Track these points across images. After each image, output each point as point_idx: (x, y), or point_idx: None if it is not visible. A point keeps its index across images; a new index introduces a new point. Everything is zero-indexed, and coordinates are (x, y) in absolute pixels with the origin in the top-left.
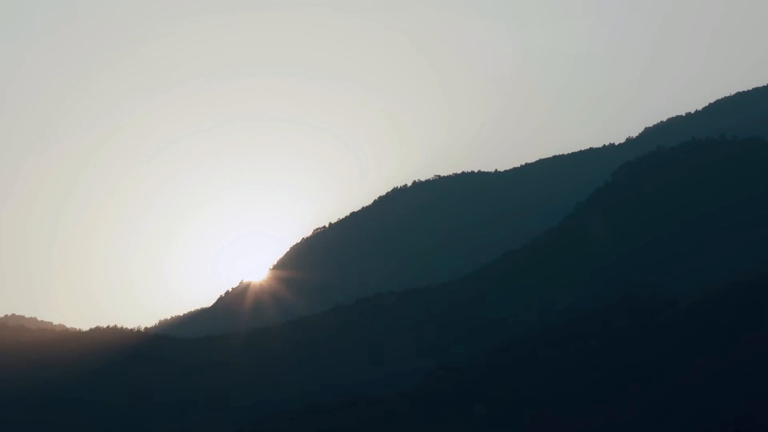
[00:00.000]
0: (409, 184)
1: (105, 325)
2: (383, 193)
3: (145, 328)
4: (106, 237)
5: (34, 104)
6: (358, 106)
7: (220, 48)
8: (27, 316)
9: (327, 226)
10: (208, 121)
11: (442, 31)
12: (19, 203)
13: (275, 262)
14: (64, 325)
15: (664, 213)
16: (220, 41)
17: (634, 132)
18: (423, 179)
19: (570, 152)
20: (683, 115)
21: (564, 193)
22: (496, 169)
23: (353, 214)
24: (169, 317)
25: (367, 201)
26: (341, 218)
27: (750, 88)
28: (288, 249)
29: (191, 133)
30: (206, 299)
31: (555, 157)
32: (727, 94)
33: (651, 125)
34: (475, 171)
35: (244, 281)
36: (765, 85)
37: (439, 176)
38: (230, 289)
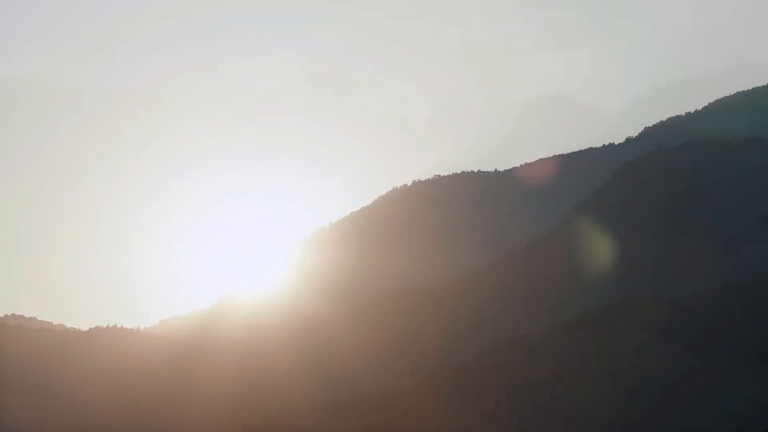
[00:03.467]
0: (409, 183)
1: (105, 325)
2: (383, 193)
3: (145, 328)
4: (106, 236)
5: (33, 103)
6: (358, 105)
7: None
8: (27, 316)
9: (327, 225)
10: (211, 120)
11: (441, 31)
12: (18, 203)
13: (275, 262)
14: (63, 325)
15: (665, 213)
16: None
17: (634, 132)
18: (423, 179)
19: (570, 152)
20: (683, 115)
21: (564, 193)
22: (495, 169)
23: (353, 213)
24: (169, 317)
25: (367, 201)
26: (341, 218)
27: (750, 88)
28: (288, 249)
29: (193, 131)
30: (207, 299)
31: (555, 157)
32: (727, 94)
33: (651, 125)
34: (475, 171)
35: (244, 281)
36: (765, 85)
37: (439, 176)
38: (230, 290)
